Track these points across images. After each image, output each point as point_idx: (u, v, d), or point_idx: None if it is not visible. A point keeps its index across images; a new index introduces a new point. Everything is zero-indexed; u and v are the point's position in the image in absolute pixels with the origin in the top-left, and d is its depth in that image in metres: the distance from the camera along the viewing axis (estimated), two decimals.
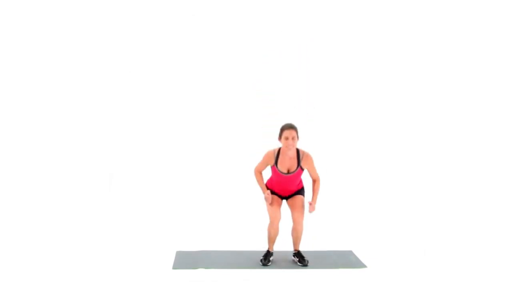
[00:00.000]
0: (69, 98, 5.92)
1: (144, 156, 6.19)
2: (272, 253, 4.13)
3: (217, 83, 6.29)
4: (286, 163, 4.07)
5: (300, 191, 4.23)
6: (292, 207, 4.17)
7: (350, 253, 4.31)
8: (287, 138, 3.98)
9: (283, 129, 4.04)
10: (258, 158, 4.22)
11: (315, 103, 6.38)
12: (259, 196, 4.49)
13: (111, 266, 3.95)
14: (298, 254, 4.12)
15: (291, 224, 4.11)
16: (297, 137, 4.02)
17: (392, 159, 6.25)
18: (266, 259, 4.08)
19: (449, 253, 4.29)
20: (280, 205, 4.18)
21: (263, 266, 4.01)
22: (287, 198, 4.24)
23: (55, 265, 3.92)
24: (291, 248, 4.16)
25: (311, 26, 6.12)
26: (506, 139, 6.01)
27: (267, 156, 4.12)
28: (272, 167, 4.13)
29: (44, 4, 5.81)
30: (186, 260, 4.07)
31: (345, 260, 4.15)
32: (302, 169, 4.11)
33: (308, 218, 4.73)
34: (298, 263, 4.08)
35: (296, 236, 4.11)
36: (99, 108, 6.10)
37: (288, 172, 4.08)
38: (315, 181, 4.15)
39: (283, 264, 4.05)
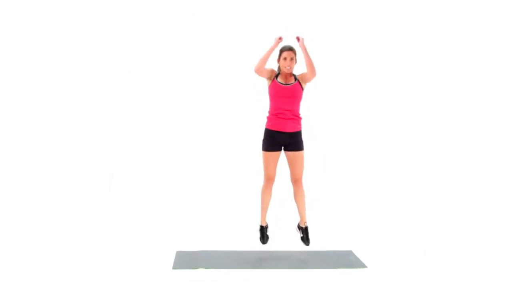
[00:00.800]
0: (69, 98, 5.92)
1: (144, 156, 6.20)
2: (266, 226, 4.13)
3: (217, 84, 6.30)
4: (284, 81, 4.20)
5: (299, 139, 4.22)
6: (292, 163, 4.17)
7: (350, 253, 4.31)
8: (285, 59, 4.11)
9: (282, 50, 4.16)
10: (258, 158, 4.23)
11: (314, 103, 6.38)
12: (259, 196, 4.50)
13: (111, 266, 3.95)
14: (305, 230, 4.11)
15: (289, 222, 4.11)
16: (295, 60, 4.11)
17: (392, 159, 6.25)
18: (263, 235, 4.10)
19: (449, 253, 4.29)
20: (277, 162, 4.19)
21: (262, 266, 4.01)
22: (287, 146, 4.20)
23: (55, 265, 3.92)
24: (291, 248, 4.14)
25: (310, 26, 6.12)
26: (506, 139, 6.01)
27: (270, 68, 4.20)
28: (272, 82, 4.17)
29: (44, 4, 5.81)
30: (186, 260, 4.07)
31: (345, 260, 4.15)
32: (302, 87, 4.14)
33: (308, 218, 4.76)
34: (301, 240, 4.05)
35: (301, 201, 4.14)
36: (99, 108, 6.10)
37: (287, 83, 4.14)
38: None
39: (283, 264, 4.05)
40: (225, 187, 5.79)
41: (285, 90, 4.11)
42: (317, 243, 4.45)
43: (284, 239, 4.18)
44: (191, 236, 4.64)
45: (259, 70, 4.08)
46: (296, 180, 4.18)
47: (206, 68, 6.27)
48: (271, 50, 4.13)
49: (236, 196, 5.56)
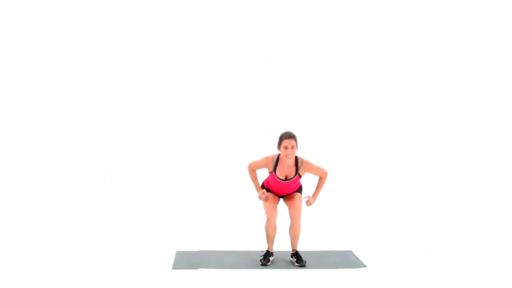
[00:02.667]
0: (69, 99, 5.92)
1: (144, 156, 6.19)
2: (272, 253, 4.13)
3: (216, 84, 6.29)
4: (284, 171, 4.07)
5: (298, 190, 4.23)
6: (289, 204, 4.17)
7: (350, 253, 4.31)
8: (286, 148, 3.98)
9: (282, 138, 4.03)
10: (257, 158, 4.22)
11: (314, 103, 6.38)
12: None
13: (111, 266, 3.95)
14: (296, 255, 4.11)
15: (289, 222, 4.11)
16: (296, 146, 4.01)
17: (391, 159, 6.25)
18: (266, 258, 4.08)
19: (449, 253, 4.29)
20: (276, 202, 4.19)
21: (262, 266, 4.01)
22: (283, 196, 4.24)
23: (55, 265, 3.92)
24: (290, 248, 4.15)
25: (309, 26, 6.12)
26: (506, 139, 6.01)
27: (266, 160, 4.12)
28: (270, 173, 4.14)
29: (44, 5, 5.81)
30: (186, 260, 4.07)
31: (345, 260, 4.14)
32: (300, 176, 4.12)
33: (308, 218, 4.75)
34: (296, 264, 4.07)
35: (293, 234, 4.11)
36: (99, 109, 6.10)
37: (286, 179, 4.09)
38: (321, 178, 4.16)
39: (283, 264, 4.05)
40: (224, 188, 5.79)
41: (284, 184, 4.13)
42: (317, 243, 4.45)
43: (284, 239, 4.18)
44: (191, 237, 4.64)
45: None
46: (292, 219, 4.16)
47: (206, 69, 6.26)
48: (257, 189, 4.15)
49: (235, 196, 5.55)
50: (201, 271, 3.83)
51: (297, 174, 4.08)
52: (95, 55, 6.01)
